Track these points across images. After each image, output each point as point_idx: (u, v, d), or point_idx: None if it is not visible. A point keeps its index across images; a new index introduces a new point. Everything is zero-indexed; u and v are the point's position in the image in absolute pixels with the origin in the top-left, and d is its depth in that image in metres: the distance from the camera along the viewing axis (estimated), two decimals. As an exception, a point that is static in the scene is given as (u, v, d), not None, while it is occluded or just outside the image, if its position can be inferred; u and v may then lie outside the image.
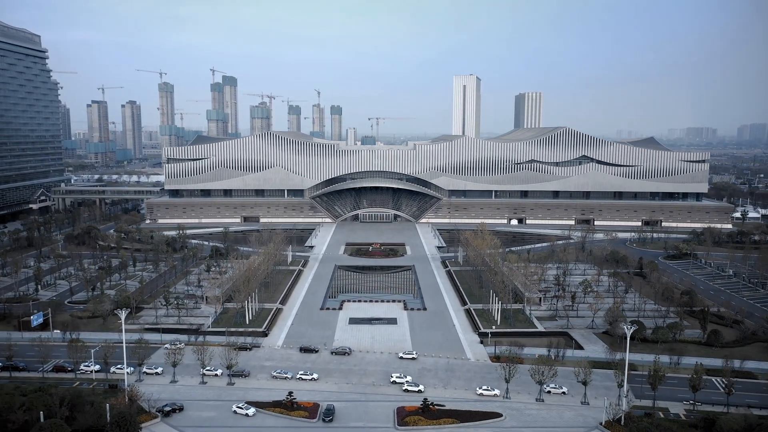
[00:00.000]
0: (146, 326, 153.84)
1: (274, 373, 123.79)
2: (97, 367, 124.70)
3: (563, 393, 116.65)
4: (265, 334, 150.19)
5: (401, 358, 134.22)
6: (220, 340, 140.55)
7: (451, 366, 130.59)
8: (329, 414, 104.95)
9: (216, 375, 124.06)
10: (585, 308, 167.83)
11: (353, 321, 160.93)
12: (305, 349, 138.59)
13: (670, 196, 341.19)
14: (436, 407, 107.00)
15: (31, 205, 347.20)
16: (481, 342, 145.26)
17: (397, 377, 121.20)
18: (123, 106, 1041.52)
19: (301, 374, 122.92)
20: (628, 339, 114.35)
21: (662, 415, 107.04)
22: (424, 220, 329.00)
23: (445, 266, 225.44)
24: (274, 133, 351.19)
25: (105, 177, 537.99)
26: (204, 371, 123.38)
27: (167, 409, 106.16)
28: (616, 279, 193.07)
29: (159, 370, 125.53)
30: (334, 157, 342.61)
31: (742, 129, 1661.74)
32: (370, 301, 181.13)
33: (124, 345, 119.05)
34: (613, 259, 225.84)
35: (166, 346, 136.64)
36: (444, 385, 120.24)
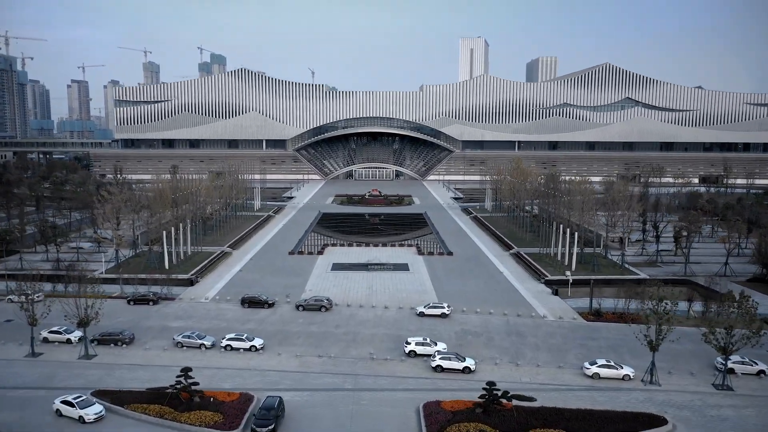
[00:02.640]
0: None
1: (179, 338, 64.45)
2: None
3: (761, 373, 57.48)
4: (190, 283, 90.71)
5: (421, 314, 74.84)
6: (116, 290, 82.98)
7: (515, 327, 71.10)
8: (268, 419, 45.19)
9: (68, 341, 64.97)
10: (693, 253, 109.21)
11: (338, 267, 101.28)
12: (251, 302, 78.98)
13: (728, 148, 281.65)
14: (514, 402, 47.55)
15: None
16: (556, 293, 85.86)
17: (418, 344, 61.87)
18: (105, 86, 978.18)
19: (230, 339, 63.51)
20: None
21: None
22: (432, 177, 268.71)
23: (469, 213, 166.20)
24: (251, 72, 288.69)
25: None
26: (45, 334, 64.55)
27: None
28: (729, 221, 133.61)
29: (-37, 333, 66.26)
30: (324, 101, 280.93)
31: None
32: (366, 244, 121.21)
33: None
34: (694, 206, 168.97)
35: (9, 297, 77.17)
36: (512, 359, 60.84)
